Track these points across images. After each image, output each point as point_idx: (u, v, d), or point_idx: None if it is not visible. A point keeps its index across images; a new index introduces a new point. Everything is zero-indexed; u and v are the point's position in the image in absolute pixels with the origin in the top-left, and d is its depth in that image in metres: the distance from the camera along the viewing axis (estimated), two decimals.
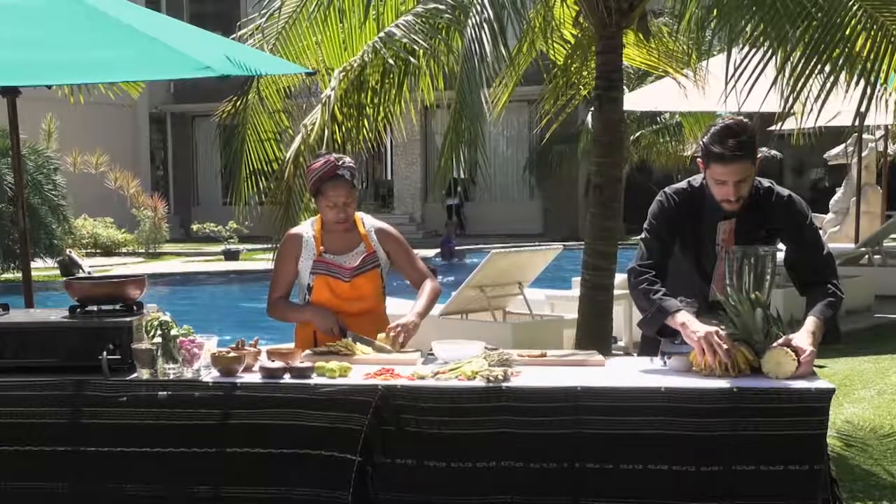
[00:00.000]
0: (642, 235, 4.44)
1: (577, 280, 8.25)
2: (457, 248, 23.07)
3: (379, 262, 4.93)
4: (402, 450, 3.92)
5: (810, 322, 4.09)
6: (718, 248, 4.34)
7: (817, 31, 5.36)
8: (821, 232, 4.97)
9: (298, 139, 7.16)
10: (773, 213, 4.35)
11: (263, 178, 7.61)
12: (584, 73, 8.09)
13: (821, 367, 4.09)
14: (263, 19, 7.61)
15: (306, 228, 4.97)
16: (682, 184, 4.46)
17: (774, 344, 3.91)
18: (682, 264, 4.43)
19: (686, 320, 4.02)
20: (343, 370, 4.10)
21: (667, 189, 4.48)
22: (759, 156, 4.30)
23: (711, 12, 5.86)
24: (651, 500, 3.82)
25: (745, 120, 4.32)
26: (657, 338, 4.27)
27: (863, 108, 5.45)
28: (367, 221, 5.00)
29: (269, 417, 3.98)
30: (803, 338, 3.99)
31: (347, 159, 4.88)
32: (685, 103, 10.28)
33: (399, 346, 4.57)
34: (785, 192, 4.41)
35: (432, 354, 4.42)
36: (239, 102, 7.51)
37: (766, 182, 4.42)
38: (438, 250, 23.16)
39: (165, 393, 4.03)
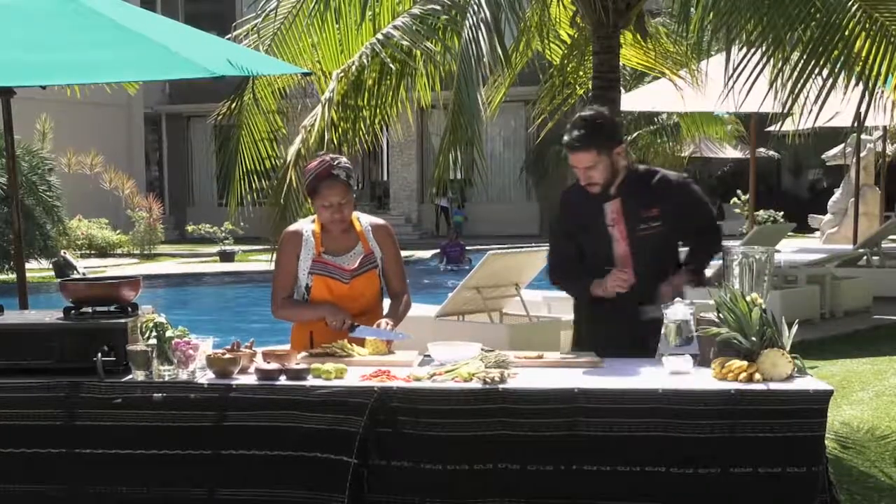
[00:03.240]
0: (549, 240, 5.04)
1: None
2: (466, 248, 22.51)
3: (377, 263, 4.91)
4: (399, 452, 3.90)
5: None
6: (611, 227, 4.69)
7: (816, 32, 5.34)
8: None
9: (298, 140, 7.14)
10: (658, 194, 4.69)
11: (257, 180, 7.59)
12: (581, 74, 8.08)
13: (814, 367, 4.08)
14: (260, 19, 7.59)
15: (305, 226, 4.94)
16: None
17: None
18: (587, 253, 4.80)
19: (598, 287, 4.61)
20: (339, 372, 4.08)
21: (566, 189, 4.96)
22: (620, 146, 4.64)
23: (709, 13, 5.84)
24: (649, 503, 3.80)
25: (601, 111, 4.73)
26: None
27: (862, 109, 5.44)
28: (364, 219, 4.96)
29: (265, 419, 3.96)
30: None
31: (343, 160, 4.85)
32: (682, 104, 10.27)
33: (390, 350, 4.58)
34: (673, 174, 4.82)
35: (429, 356, 4.40)
36: (234, 104, 7.49)
37: (643, 167, 4.91)
38: (437, 251, 23.08)
39: (160, 395, 4.00)
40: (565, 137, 4.59)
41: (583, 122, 4.56)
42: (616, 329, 4.59)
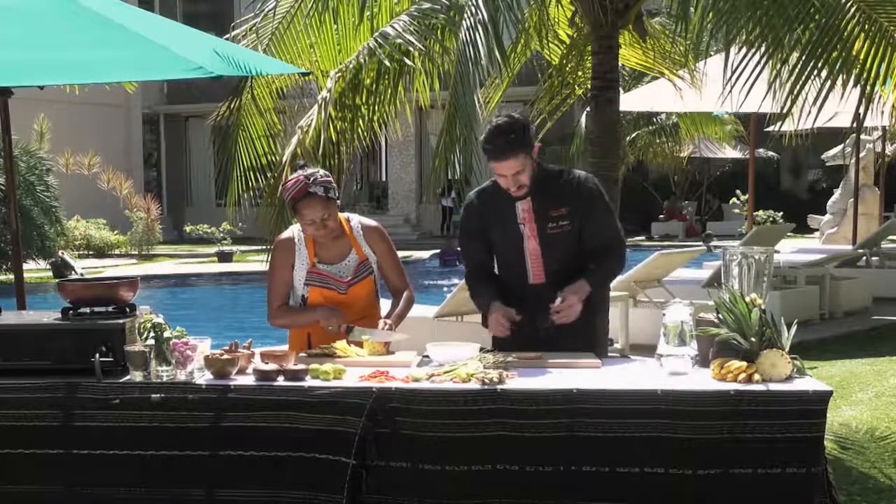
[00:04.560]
0: (459, 245, 5.02)
1: None
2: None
3: (372, 269, 4.89)
4: (397, 452, 3.89)
5: (581, 282, 4.56)
6: (521, 225, 4.70)
7: (815, 33, 5.33)
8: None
9: (294, 141, 7.12)
10: (564, 193, 4.70)
11: (255, 180, 7.58)
12: (580, 74, 8.07)
13: (813, 367, 4.08)
14: (258, 19, 7.58)
15: (296, 232, 4.91)
16: (488, 182, 4.78)
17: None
18: (501, 252, 4.84)
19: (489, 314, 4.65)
20: (337, 372, 4.07)
21: (471, 192, 4.89)
22: (535, 147, 4.57)
23: (709, 13, 5.83)
24: None
25: (517, 116, 4.64)
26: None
27: (860, 110, 5.44)
28: (354, 221, 4.94)
29: (263, 420, 3.96)
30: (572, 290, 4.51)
31: (320, 174, 4.77)
32: (681, 104, 10.26)
33: (388, 350, 4.57)
34: (581, 174, 4.80)
35: (427, 356, 4.39)
36: (234, 103, 7.47)
37: (555, 167, 4.89)
38: (437, 251, 23.13)
39: (158, 395, 4.00)
40: (487, 147, 4.53)
41: (502, 130, 4.51)
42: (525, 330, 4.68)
